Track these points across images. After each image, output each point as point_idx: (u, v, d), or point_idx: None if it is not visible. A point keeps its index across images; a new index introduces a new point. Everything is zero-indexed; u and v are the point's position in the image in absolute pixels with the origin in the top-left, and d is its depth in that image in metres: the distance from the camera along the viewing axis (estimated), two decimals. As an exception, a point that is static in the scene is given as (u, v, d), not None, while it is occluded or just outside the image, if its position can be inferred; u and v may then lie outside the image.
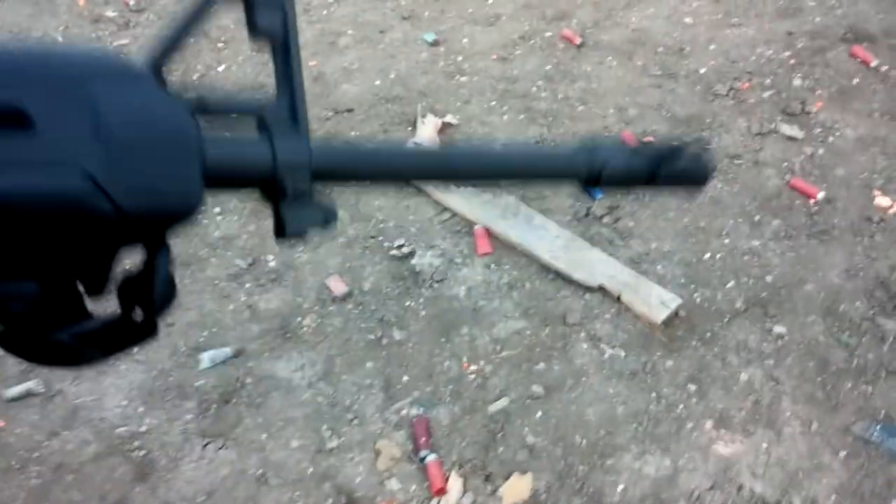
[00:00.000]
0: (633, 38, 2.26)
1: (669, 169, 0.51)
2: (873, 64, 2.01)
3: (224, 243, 1.77)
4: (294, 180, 0.40)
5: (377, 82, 2.21)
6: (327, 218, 0.42)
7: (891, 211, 1.63)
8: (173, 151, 0.34)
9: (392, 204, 1.82)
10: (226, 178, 0.39)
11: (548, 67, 2.21)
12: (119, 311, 0.39)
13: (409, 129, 2.02)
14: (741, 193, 1.72)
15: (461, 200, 1.79)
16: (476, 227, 1.72)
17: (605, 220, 1.73)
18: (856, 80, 1.97)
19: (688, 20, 2.29)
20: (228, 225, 1.83)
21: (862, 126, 1.84)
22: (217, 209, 1.90)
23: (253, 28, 0.40)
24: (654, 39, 2.24)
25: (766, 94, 1.97)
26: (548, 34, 2.34)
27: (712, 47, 2.17)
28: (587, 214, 1.73)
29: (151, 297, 0.38)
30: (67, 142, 0.31)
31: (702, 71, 2.09)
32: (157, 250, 0.37)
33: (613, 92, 2.07)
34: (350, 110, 2.11)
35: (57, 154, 0.31)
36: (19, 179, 0.30)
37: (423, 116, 2.03)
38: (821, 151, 1.79)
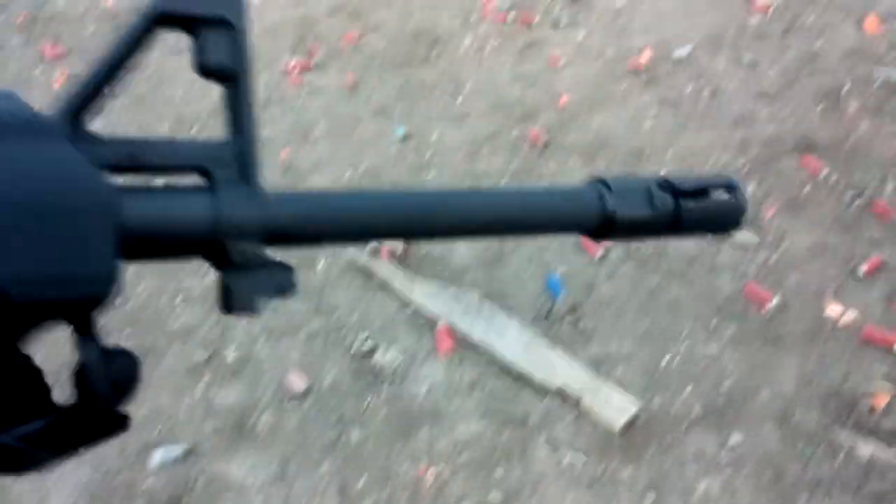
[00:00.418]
0: (595, 141, 2.33)
1: (698, 209, 0.45)
2: (822, 173, 2.09)
3: (184, 334, 1.75)
4: (241, 242, 0.34)
5: (347, 174, 2.25)
6: (283, 286, 0.36)
7: (843, 319, 1.67)
8: (75, 221, 0.29)
9: (356, 296, 1.82)
10: (152, 245, 0.33)
11: (513, 166, 2.27)
12: (75, 401, 0.32)
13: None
14: (698, 297, 1.76)
15: (425, 296, 1.80)
16: (439, 324, 1.72)
17: (567, 319, 1.74)
18: (806, 189, 2.04)
19: (647, 125, 2.38)
20: (191, 313, 1.81)
21: (814, 234, 1.90)
22: (180, 297, 1.88)
23: (201, 65, 0.34)
24: (614, 143, 2.31)
25: (722, 200, 2.03)
26: (514, 133, 2.41)
27: (670, 152, 2.25)
28: (549, 314, 1.75)
29: (90, 387, 0.31)
30: None
31: (658, 173, 2.15)
32: (84, 335, 0.31)
33: (576, 192, 2.12)
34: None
35: None
36: None
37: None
38: (774, 257, 1.84)
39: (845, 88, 2.46)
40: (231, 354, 1.69)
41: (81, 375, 0.31)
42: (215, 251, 0.34)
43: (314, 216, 0.38)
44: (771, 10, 2.97)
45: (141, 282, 1.92)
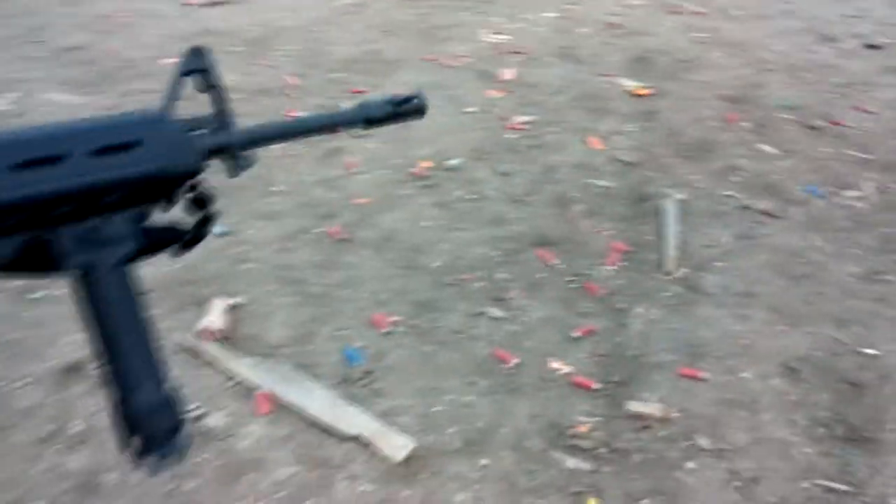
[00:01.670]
0: (385, 236, 2.85)
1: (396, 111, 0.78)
2: (553, 262, 2.75)
3: (30, 412, 1.99)
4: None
5: (167, 268, 2.58)
6: None
7: (561, 371, 2.27)
8: (189, 149, 0.62)
9: (185, 373, 2.16)
10: (214, 154, 0.67)
11: (318, 257, 2.72)
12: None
13: (199, 307, 2.39)
14: (461, 360, 2.29)
15: (246, 368, 2.18)
16: (259, 391, 2.11)
17: (362, 381, 2.19)
18: (540, 274, 2.69)
19: (426, 223, 2.95)
20: (35, 394, 2.06)
21: (544, 308, 2.53)
22: (22, 381, 2.11)
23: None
24: (400, 238, 2.85)
25: (480, 284, 2.62)
26: (317, 230, 2.88)
27: (443, 246, 2.82)
28: (348, 378, 2.19)
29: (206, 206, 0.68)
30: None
31: (435, 264, 2.71)
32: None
33: (369, 279, 2.62)
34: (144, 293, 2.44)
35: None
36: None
37: (214, 298, 2.42)
38: (516, 327, 2.43)
39: (573, 194, 3.20)
40: (76, 427, 1.97)
41: (199, 201, 0.66)
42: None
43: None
44: (522, 128, 3.72)
45: (-18, 370, 2.13)
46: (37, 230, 0.55)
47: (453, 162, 3.37)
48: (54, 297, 2.42)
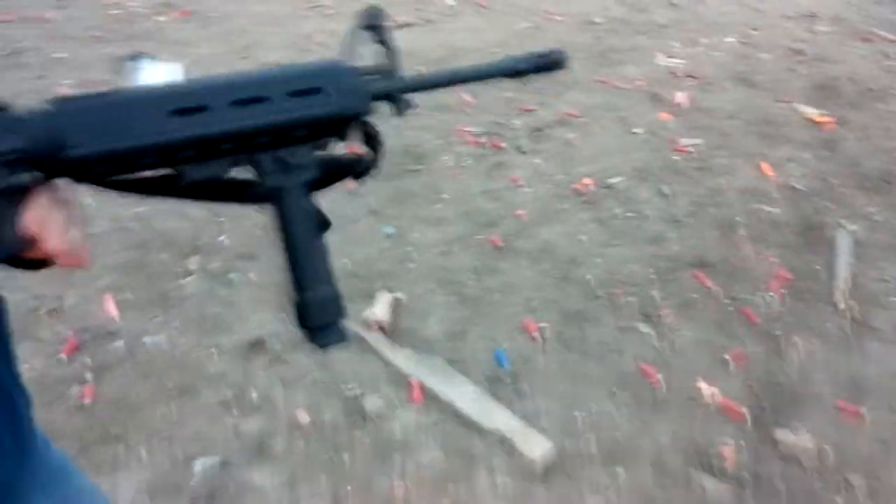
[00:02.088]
0: (541, 248, 2.93)
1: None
2: (709, 284, 2.70)
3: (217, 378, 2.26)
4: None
5: (344, 260, 2.81)
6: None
7: (709, 394, 2.23)
8: (356, 92, 0.73)
9: (350, 356, 2.35)
10: (381, 99, 0.76)
11: (476, 263, 2.85)
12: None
13: (366, 300, 2.59)
14: (606, 372, 2.32)
15: (403, 358, 2.34)
16: (412, 380, 2.25)
17: (508, 382, 2.28)
18: (695, 296, 2.65)
19: (583, 238, 3.00)
20: (223, 363, 2.33)
21: (696, 330, 2.49)
22: (214, 349, 2.39)
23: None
24: (556, 250, 2.92)
25: (631, 300, 2.63)
26: (478, 237, 3.01)
27: (598, 261, 2.85)
28: (494, 378, 2.29)
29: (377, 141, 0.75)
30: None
31: (587, 277, 2.75)
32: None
33: (523, 287, 2.70)
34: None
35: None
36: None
37: (379, 292, 2.61)
38: (665, 345, 2.42)
39: (738, 219, 3.12)
40: (253, 395, 2.21)
41: (371, 139, 0.75)
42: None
43: None
44: (689, 151, 3.66)
45: (182, 336, 2.44)
46: (243, 155, 0.69)
47: (615, 181, 3.38)
48: (247, 280, 2.72)
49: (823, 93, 4.31)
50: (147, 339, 2.41)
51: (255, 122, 0.67)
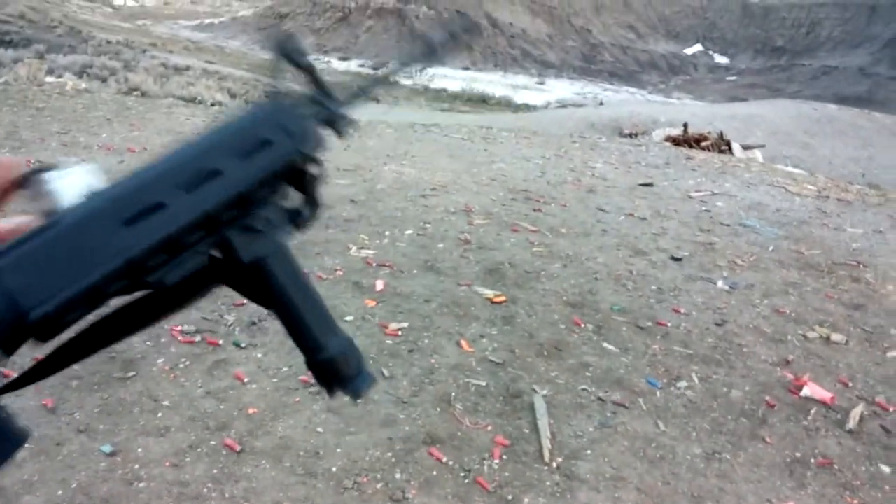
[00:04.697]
0: (280, 445, 2.81)
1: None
2: (444, 459, 2.82)
3: None
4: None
5: (59, 492, 2.38)
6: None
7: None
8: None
9: None
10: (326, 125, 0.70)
11: (214, 471, 2.62)
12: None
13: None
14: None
15: None
16: None
17: None
18: (435, 473, 2.74)
19: (319, 429, 2.95)
20: None
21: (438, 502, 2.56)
22: None
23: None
24: (296, 445, 2.81)
25: (378, 486, 2.62)
26: (212, 442, 2.78)
27: (339, 450, 2.82)
28: None
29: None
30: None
31: (333, 469, 2.69)
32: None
33: (269, 489, 2.54)
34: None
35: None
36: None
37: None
38: (419, 528, 2.43)
39: (453, 394, 3.35)
40: None
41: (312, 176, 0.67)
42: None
43: None
44: (399, 334, 3.89)
45: None
46: (210, 238, 0.60)
47: (338, 369, 3.43)
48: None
49: (493, 276, 4.97)
50: None
51: (217, 199, 0.59)
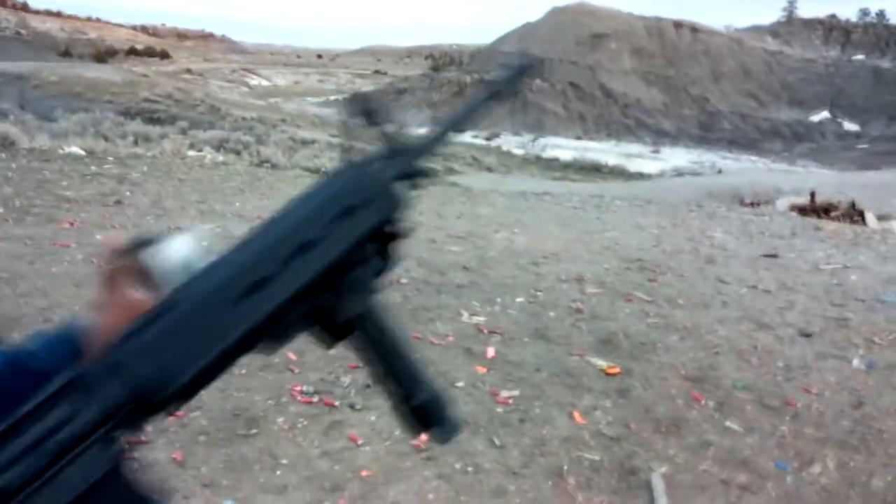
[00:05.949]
0: (392, 510, 2.81)
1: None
2: None
3: None
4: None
5: (183, 543, 2.47)
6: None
7: None
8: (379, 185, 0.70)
9: None
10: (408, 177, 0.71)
11: (327, 532, 2.65)
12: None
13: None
14: None
15: None
16: None
17: None
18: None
19: (430, 496, 2.93)
20: None
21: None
22: None
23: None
24: (407, 511, 2.81)
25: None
26: (327, 503, 2.83)
27: (449, 520, 2.78)
28: None
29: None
30: None
31: None
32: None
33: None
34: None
35: None
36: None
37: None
38: None
39: (565, 467, 3.25)
40: None
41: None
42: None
43: None
44: (510, 402, 3.85)
45: None
46: (311, 303, 0.65)
47: (448, 436, 3.42)
48: None
49: (606, 346, 4.84)
50: None
51: (313, 270, 0.63)
